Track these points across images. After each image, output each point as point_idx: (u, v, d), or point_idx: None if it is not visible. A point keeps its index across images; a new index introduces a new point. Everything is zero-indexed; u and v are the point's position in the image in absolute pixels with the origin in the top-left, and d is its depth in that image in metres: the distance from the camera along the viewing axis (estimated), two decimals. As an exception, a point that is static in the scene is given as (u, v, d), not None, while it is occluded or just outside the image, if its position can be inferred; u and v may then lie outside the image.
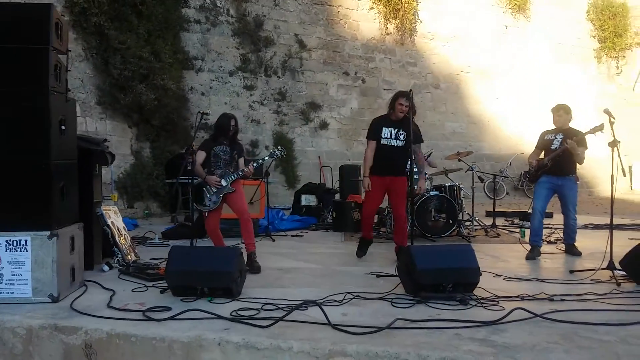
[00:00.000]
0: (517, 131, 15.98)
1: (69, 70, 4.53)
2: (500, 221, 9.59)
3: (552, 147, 6.31)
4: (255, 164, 5.60)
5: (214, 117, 6.12)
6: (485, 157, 16.09)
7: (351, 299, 4.28)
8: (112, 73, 10.19)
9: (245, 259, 5.32)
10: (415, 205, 7.66)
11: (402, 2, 14.74)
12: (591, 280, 4.98)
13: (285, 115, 13.62)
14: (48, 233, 4.01)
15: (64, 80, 4.40)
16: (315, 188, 10.00)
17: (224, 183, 5.53)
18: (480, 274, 4.49)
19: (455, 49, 15.72)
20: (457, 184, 8.16)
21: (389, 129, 5.83)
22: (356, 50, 14.71)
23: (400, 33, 15.14)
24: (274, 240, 7.56)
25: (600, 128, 5.84)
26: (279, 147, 5.83)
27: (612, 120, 5.24)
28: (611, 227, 5.30)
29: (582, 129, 6.24)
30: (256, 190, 7.80)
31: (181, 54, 12.11)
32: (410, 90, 5.66)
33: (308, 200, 9.79)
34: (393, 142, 5.83)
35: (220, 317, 3.72)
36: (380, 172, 5.85)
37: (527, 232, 8.02)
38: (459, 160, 8.24)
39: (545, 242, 7.23)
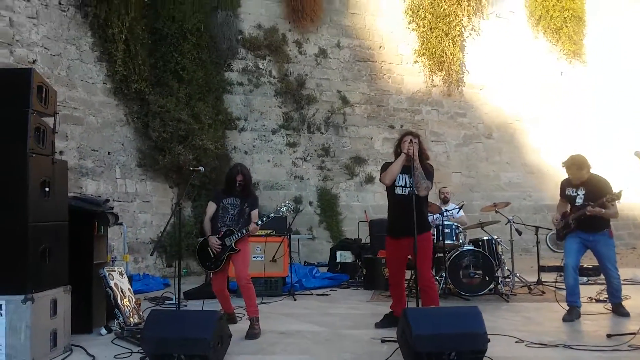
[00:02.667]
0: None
1: (56, 132, 4.52)
2: (553, 277, 8.81)
3: (577, 204, 5.75)
4: (260, 222, 5.37)
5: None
6: (547, 208, 15.11)
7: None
8: (151, 136, 10.46)
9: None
10: (448, 262, 7.18)
11: (446, 55, 14.48)
12: (629, 346, 4.33)
13: (329, 171, 13.44)
14: (22, 297, 3.93)
15: (50, 142, 4.41)
16: (351, 243, 9.66)
17: (227, 243, 5.33)
18: (489, 341, 3.99)
19: (507, 98, 15.13)
20: (494, 237, 7.59)
21: (403, 175, 5.09)
22: (401, 103, 14.48)
23: (447, 85, 14.81)
24: (295, 300, 7.24)
25: (618, 196, 5.28)
26: (286, 202, 5.55)
27: (643, 164, 4.69)
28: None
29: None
30: (279, 246, 7.56)
31: (223, 115, 12.32)
32: (410, 132, 5.24)
33: (343, 256, 9.44)
34: (405, 192, 5.06)
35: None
36: (394, 232, 5.18)
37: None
38: (496, 212, 7.68)
39: (594, 301, 6.51)
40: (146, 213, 10.65)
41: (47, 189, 4.26)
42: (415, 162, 4.87)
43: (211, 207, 5.48)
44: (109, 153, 10.02)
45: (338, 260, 9.45)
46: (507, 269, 7.55)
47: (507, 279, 7.50)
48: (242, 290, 5.26)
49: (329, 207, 13.12)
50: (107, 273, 5.64)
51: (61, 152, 9.06)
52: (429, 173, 5.11)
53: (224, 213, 5.40)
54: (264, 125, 13.04)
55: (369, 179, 13.74)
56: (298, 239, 12.41)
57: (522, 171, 15.14)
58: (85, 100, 9.75)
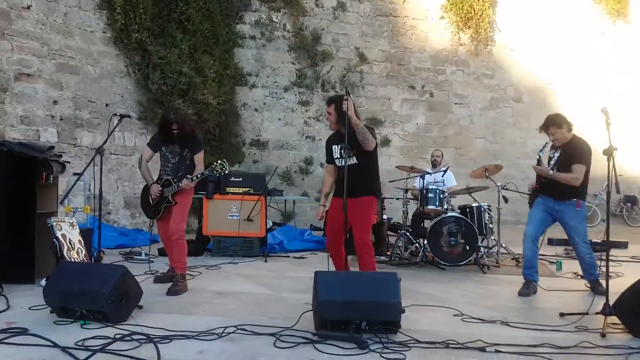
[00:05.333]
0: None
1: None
2: (558, 250, 8.21)
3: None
4: (194, 178, 5.04)
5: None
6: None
7: (230, 332, 3.59)
8: (151, 88, 10.25)
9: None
10: (428, 228, 6.72)
11: (474, 10, 13.53)
12: (576, 327, 3.84)
13: (342, 132, 12.99)
14: None
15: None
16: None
17: (165, 194, 5.08)
18: (403, 311, 3.60)
19: (541, 60, 14.07)
20: (484, 204, 7.05)
21: (337, 147, 4.69)
22: (424, 62, 13.70)
23: (474, 43, 13.87)
24: (266, 261, 6.97)
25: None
26: (219, 161, 5.09)
27: (609, 122, 4.09)
28: (607, 255, 4.09)
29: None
30: (254, 205, 7.26)
31: (232, 70, 12.00)
32: (346, 88, 4.74)
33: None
34: (349, 161, 4.51)
35: (54, 346, 3.24)
36: (337, 192, 4.79)
37: (564, 263, 6.80)
38: (486, 177, 7.10)
39: (579, 277, 5.93)
40: (145, 167, 10.54)
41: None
42: (352, 117, 4.40)
43: (146, 153, 5.33)
44: (107, 105, 9.88)
45: (331, 222, 9.07)
46: (493, 239, 7.02)
47: (491, 250, 6.98)
48: (173, 244, 5.03)
49: (340, 169, 12.69)
50: (55, 223, 5.48)
51: (55, 102, 9.01)
52: (370, 129, 4.62)
53: (164, 162, 5.18)
54: (275, 82, 12.65)
55: (385, 142, 13.20)
56: (307, 202, 12.16)
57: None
58: (82, 49, 9.60)
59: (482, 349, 3.31)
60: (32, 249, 5.21)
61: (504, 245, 7.09)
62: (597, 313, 3.92)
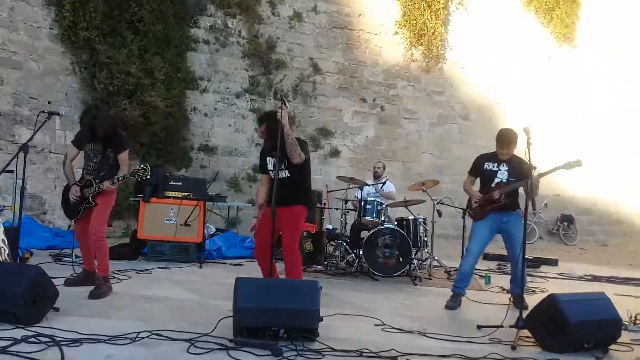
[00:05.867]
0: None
1: None
2: (491, 265, 8.44)
3: (498, 180, 5.31)
4: (115, 181, 4.94)
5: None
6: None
7: (144, 337, 3.55)
8: (97, 88, 10.07)
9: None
10: (364, 239, 6.81)
11: (427, 28, 13.85)
12: (490, 339, 3.96)
13: (293, 141, 13.04)
14: None
15: None
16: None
17: (86, 194, 4.98)
18: (321, 320, 3.64)
19: (490, 78, 14.48)
20: (420, 217, 7.20)
21: (270, 159, 4.76)
22: (376, 76, 13.92)
23: (426, 60, 14.20)
24: (200, 267, 6.92)
25: (577, 164, 4.84)
26: (142, 165, 5.03)
27: (530, 141, 4.27)
28: (523, 269, 4.26)
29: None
30: (192, 210, 7.20)
31: (183, 73, 11.90)
32: (281, 97, 4.78)
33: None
34: (282, 174, 4.66)
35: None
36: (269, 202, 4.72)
37: (493, 278, 7.00)
38: (423, 191, 7.25)
39: (506, 291, 6.10)
40: (88, 167, 10.32)
41: None
42: (286, 127, 4.44)
43: (71, 152, 5.21)
44: (49, 102, 9.61)
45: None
46: (427, 252, 7.16)
47: (424, 262, 7.12)
48: (93, 246, 4.94)
49: (288, 177, 12.71)
50: (-26, 221, 5.32)
51: (-7, 97, 8.74)
52: (302, 142, 4.70)
53: (87, 161, 5.08)
54: (227, 88, 12.61)
55: (335, 153, 13.34)
56: (252, 209, 12.10)
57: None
58: (26, 44, 9.34)
59: (394, 358, 3.38)
60: (-50, 247, 5.03)
61: (436, 258, 7.24)
62: (510, 326, 4.05)
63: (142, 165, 4.91)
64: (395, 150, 13.89)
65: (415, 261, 6.82)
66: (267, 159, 4.84)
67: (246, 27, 12.88)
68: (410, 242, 6.72)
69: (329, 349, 3.48)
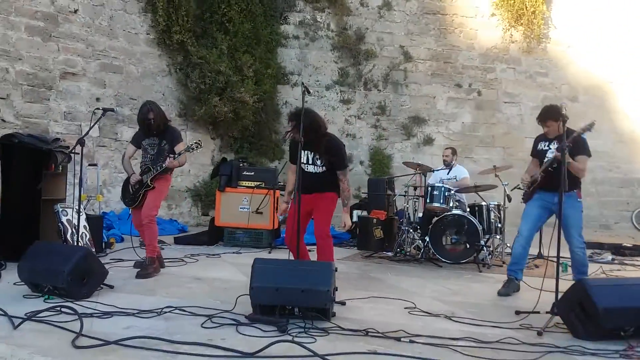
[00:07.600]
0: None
1: None
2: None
3: (546, 159, 4.96)
4: (175, 157, 5.28)
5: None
6: (637, 182, 13.38)
7: (168, 312, 3.78)
8: (190, 87, 10.72)
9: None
10: (431, 226, 6.65)
11: (526, 7, 13.02)
12: (520, 325, 3.73)
13: (384, 130, 12.93)
14: None
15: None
16: (368, 203, 9.24)
17: (144, 180, 5.37)
18: (333, 300, 3.65)
19: (600, 57, 13.32)
20: (492, 203, 6.86)
21: (306, 152, 4.78)
22: (472, 60, 13.36)
23: (527, 41, 13.38)
24: (270, 252, 7.14)
25: (589, 126, 4.44)
26: (195, 141, 5.37)
27: (565, 117, 3.95)
28: (558, 258, 3.93)
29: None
30: (263, 198, 7.45)
31: (273, 69, 12.28)
32: (303, 85, 4.66)
33: (359, 215, 9.09)
34: (311, 169, 4.81)
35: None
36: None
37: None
38: (496, 175, 6.90)
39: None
40: (185, 162, 11.03)
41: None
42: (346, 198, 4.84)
43: (129, 149, 5.64)
44: (148, 102, 10.42)
45: (354, 219, 9.11)
46: (499, 238, 6.80)
47: (496, 249, 6.77)
48: (144, 229, 5.28)
49: (380, 168, 12.67)
50: (61, 209, 5.94)
51: (98, 99, 9.64)
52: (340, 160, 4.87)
53: (144, 154, 5.47)
54: (317, 81, 12.80)
55: (428, 141, 13.04)
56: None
57: (611, 139, 13.37)
58: (126, 50, 10.20)
59: (397, 339, 3.30)
60: (37, 232, 5.66)
61: (509, 245, 6.85)
62: (546, 312, 3.77)
63: (195, 141, 5.25)
64: (495, 136, 13.26)
65: (485, 248, 6.51)
66: (301, 152, 4.74)
67: (335, 20, 12.99)
68: (480, 229, 6.43)
69: (338, 328, 3.48)
